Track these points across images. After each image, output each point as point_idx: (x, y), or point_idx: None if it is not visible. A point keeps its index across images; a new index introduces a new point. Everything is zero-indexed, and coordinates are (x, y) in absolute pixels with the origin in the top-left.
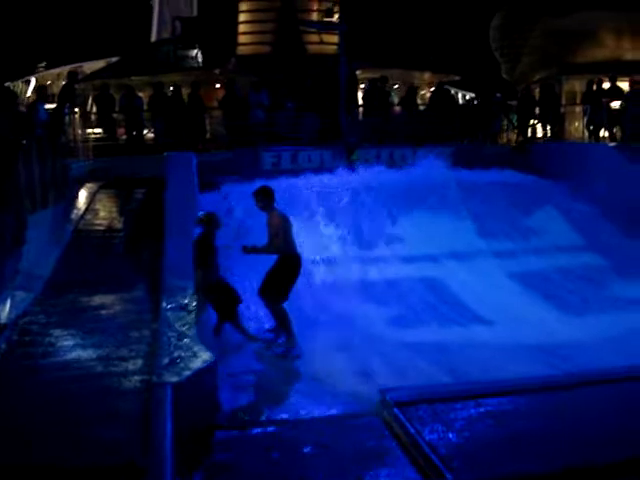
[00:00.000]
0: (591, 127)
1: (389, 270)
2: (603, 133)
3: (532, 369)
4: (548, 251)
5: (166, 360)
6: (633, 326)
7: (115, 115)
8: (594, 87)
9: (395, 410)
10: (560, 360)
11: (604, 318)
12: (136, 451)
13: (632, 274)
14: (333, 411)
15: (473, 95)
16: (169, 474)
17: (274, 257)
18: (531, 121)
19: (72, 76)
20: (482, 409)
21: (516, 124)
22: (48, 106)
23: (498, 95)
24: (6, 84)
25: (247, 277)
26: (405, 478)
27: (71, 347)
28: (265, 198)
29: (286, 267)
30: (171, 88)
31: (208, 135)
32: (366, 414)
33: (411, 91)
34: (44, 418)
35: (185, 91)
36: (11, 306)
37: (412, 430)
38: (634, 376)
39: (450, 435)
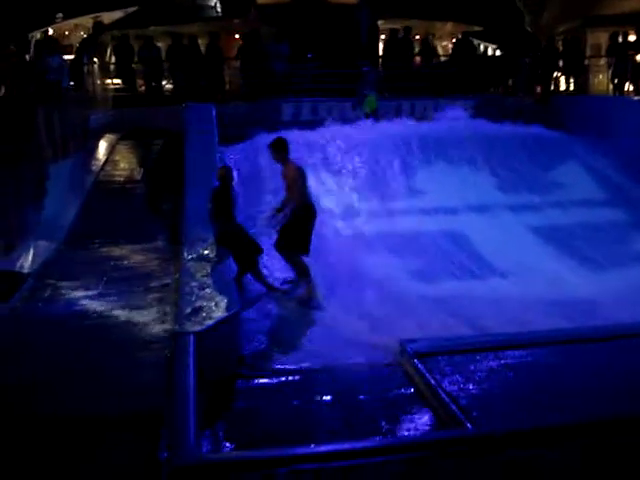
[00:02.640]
0: (616, 80)
1: (409, 223)
2: (628, 86)
3: (550, 322)
4: (569, 205)
5: (188, 309)
6: None
7: (134, 66)
8: (619, 39)
9: (415, 361)
10: (579, 314)
11: (624, 273)
12: (160, 399)
13: None
14: (353, 361)
15: (495, 47)
16: (192, 421)
17: None
18: (554, 73)
19: (97, 27)
20: (501, 361)
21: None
22: (66, 57)
23: (521, 47)
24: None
25: None
26: (425, 427)
27: (93, 296)
28: (280, 150)
29: (301, 218)
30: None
31: (227, 86)
32: (386, 364)
33: (425, 42)
34: (67, 367)
35: (203, 41)
36: (33, 256)
37: (432, 381)
38: None
39: (470, 386)
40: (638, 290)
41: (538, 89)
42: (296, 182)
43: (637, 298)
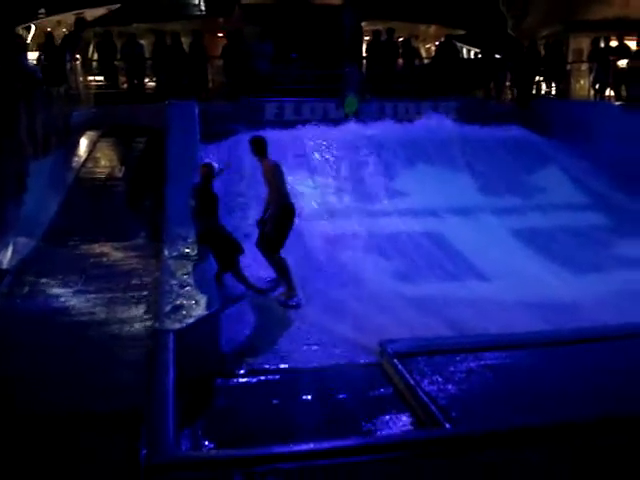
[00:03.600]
0: (597, 86)
1: (391, 224)
2: (609, 92)
3: (531, 325)
4: (551, 209)
5: (168, 307)
6: (633, 286)
7: (117, 63)
8: (601, 45)
9: (395, 361)
10: (559, 317)
11: (605, 277)
12: (140, 397)
13: (635, 233)
14: (333, 361)
15: (477, 51)
16: (171, 419)
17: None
18: (536, 77)
19: (80, 23)
20: (481, 362)
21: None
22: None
23: (497, 55)
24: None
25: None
26: (404, 427)
27: (73, 294)
28: (257, 147)
29: (280, 217)
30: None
31: (210, 85)
32: (366, 365)
33: (406, 43)
34: (46, 364)
35: (187, 39)
36: (13, 252)
37: (411, 381)
38: (631, 334)
39: (449, 387)
40: (618, 293)
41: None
42: (274, 179)
43: (617, 301)
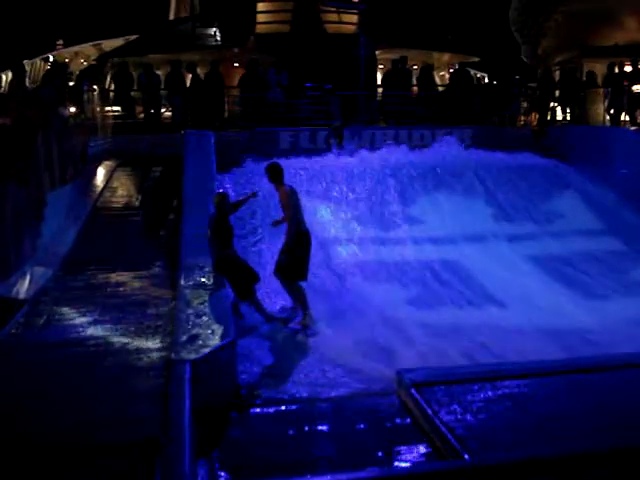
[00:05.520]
0: (612, 111)
1: (407, 251)
2: (624, 117)
3: (547, 352)
4: (567, 235)
5: (184, 337)
6: None
7: (133, 93)
8: (616, 70)
9: (412, 391)
10: (577, 344)
11: (622, 303)
12: (155, 428)
13: None
14: (350, 390)
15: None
16: (187, 450)
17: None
18: (551, 104)
19: (102, 57)
20: (499, 391)
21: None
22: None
23: (517, 77)
24: (24, 61)
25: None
26: (422, 458)
27: (89, 324)
28: (273, 174)
29: (295, 244)
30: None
31: (226, 114)
32: (383, 394)
33: (425, 70)
34: (61, 394)
35: (202, 70)
36: (30, 282)
37: (429, 411)
38: None
39: (467, 416)
40: (635, 320)
41: (535, 119)
42: (289, 205)
43: (634, 328)
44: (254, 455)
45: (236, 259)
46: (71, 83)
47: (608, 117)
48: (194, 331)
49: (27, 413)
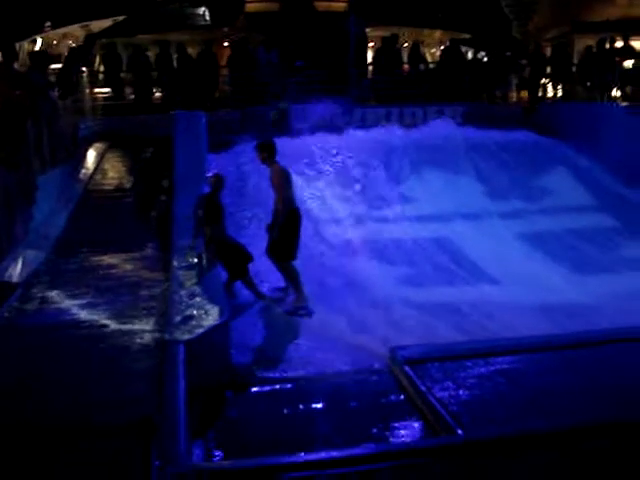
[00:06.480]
0: (603, 86)
1: (399, 229)
2: (615, 93)
3: (540, 328)
4: (558, 211)
5: (178, 318)
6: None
7: (122, 74)
8: (606, 46)
9: (405, 367)
10: (568, 320)
11: (612, 278)
12: (151, 408)
13: None
14: (343, 368)
15: (483, 54)
16: (183, 430)
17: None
18: (542, 80)
19: (89, 38)
20: (492, 367)
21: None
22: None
23: (508, 53)
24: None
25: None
26: (415, 434)
27: (82, 306)
28: (265, 151)
29: (286, 222)
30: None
31: (216, 94)
32: (377, 371)
33: (414, 48)
34: (56, 376)
35: (193, 50)
36: (22, 266)
37: (422, 387)
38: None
39: (460, 392)
40: (628, 295)
41: (526, 96)
42: (281, 184)
43: (627, 303)
44: (249, 434)
45: (228, 239)
46: (59, 65)
47: (599, 93)
48: (188, 312)
49: (24, 395)
